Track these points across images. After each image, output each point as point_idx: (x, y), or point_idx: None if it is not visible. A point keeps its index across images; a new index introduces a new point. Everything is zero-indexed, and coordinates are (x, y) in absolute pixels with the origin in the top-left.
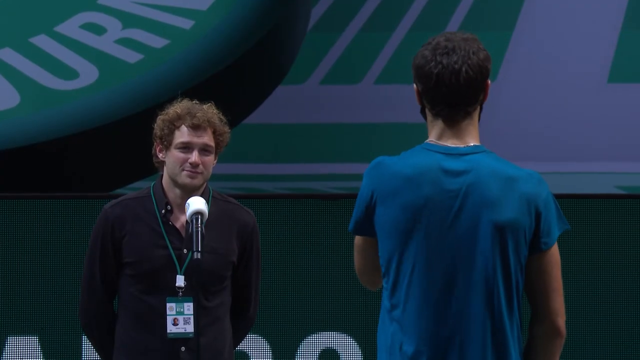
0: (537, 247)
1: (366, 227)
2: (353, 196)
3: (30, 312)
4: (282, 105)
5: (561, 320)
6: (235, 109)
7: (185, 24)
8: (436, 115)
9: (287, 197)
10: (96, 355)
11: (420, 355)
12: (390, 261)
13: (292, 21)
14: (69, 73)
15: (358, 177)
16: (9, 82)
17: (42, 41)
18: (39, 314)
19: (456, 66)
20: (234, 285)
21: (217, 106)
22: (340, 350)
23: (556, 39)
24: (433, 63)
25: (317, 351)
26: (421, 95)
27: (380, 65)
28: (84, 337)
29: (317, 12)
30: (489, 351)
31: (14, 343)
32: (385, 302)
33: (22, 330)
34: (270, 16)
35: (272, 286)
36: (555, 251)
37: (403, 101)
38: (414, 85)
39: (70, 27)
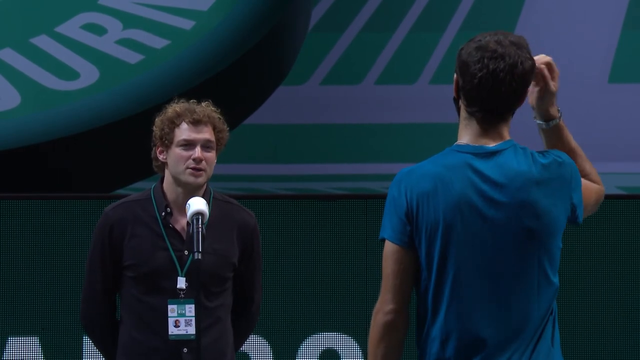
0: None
1: (406, 236)
2: (353, 197)
3: (31, 313)
4: (282, 106)
5: None
6: (236, 109)
7: (186, 24)
8: (471, 114)
9: (287, 197)
10: (97, 357)
11: (475, 350)
12: (431, 264)
13: (293, 21)
14: (69, 73)
15: (358, 177)
16: (10, 83)
17: (42, 41)
18: (40, 315)
19: (501, 75)
20: (236, 286)
21: (218, 107)
22: (341, 352)
23: (556, 39)
24: (479, 65)
25: (318, 352)
26: (459, 88)
27: (381, 66)
28: (85, 339)
29: (317, 13)
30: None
31: (15, 344)
32: (427, 306)
33: (23, 331)
34: (271, 17)
35: (273, 287)
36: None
37: (403, 102)
38: (455, 75)
39: (71, 28)
